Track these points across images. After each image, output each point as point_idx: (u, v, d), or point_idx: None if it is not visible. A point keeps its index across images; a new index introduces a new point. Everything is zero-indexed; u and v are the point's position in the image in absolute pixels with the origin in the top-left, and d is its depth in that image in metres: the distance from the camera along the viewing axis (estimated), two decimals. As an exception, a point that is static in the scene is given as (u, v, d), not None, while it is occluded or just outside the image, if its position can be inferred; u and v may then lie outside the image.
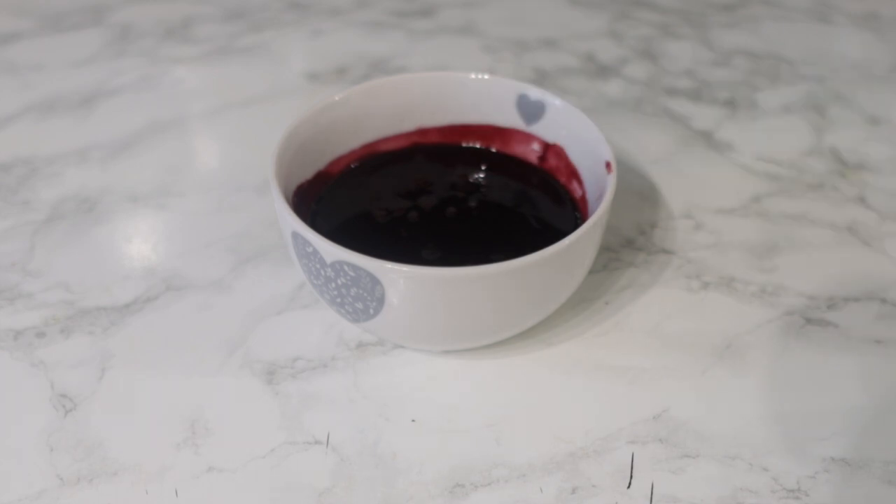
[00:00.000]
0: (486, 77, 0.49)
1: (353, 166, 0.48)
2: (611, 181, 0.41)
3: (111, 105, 0.61)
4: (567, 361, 0.43)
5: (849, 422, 0.40)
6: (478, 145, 0.50)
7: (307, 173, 0.45)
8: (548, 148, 0.48)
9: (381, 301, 0.38)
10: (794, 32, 0.70)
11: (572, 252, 0.39)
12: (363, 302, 0.38)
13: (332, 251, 0.37)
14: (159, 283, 0.47)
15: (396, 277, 0.36)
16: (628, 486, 0.38)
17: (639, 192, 0.53)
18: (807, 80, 0.64)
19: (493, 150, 0.49)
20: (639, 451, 0.39)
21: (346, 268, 0.37)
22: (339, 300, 0.39)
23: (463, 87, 0.49)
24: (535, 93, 0.48)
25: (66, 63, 0.65)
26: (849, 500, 0.37)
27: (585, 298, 0.46)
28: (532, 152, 0.49)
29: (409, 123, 0.49)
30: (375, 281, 0.37)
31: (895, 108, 0.62)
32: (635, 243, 0.49)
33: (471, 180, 0.48)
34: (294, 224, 0.38)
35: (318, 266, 0.38)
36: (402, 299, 0.37)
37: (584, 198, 0.45)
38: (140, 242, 0.50)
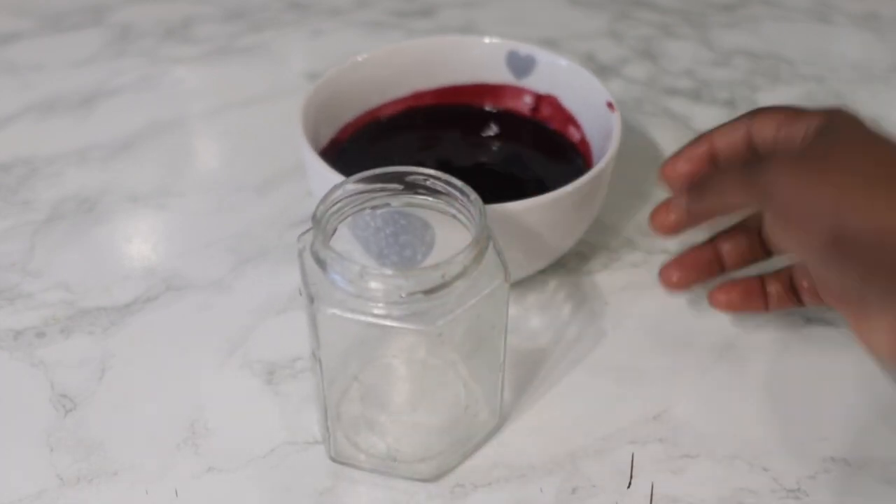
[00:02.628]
0: (475, 38, 0.52)
1: (359, 131, 0.50)
2: (616, 119, 0.44)
3: (111, 105, 0.61)
4: (567, 361, 0.43)
5: (849, 422, 0.40)
6: (472, 103, 0.52)
7: (323, 142, 0.47)
8: (540, 99, 0.50)
9: (430, 246, 0.39)
10: (794, 32, 0.70)
11: (603, 177, 0.43)
12: (412, 249, 0.39)
13: None
14: (159, 283, 0.47)
15: (448, 220, 0.37)
16: (628, 486, 0.38)
17: (639, 192, 0.53)
18: (807, 80, 0.64)
19: (488, 106, 0.52)
20: (639, 451, 0.39)
21: (396, 215, 0.38)
22: (386, 250, 0.40)
23: (455, 50, 0.51)
24: (524, 48, 0.50)
25: (66, 63, 0.65)
26: (849, 500, 0.37)
27: (586, 298, 0.46)
28: (524, 105, 0.51)
29: (406, 88, 0.51)
30: (427, 226, 0.38)
31: (895, 109, 0.62)
32: (635, 243, 0.49)
33: (474, 136, 0.50)
34: (340, 180, 0.39)
35: (366, 218, 0.39)
36: (452, 242, 0.38)
37: (584, 140, 0.48)
38: (140, 242, 0.50)
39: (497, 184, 0.47)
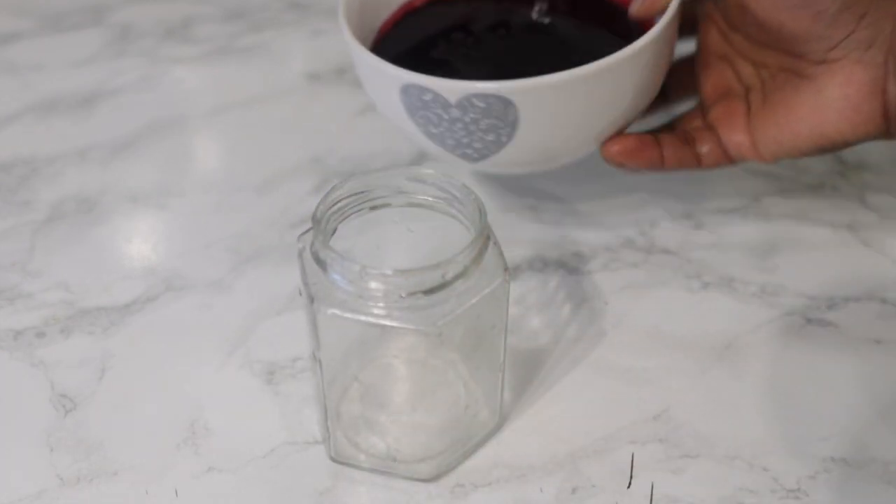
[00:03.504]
0: None
1: (396, 25, 0.48)
2: None
3: (111, 105, 0.61)
4: (567, 361, 0.43)
5: (849, 422, 0.40)
6: None
7: (367, 42, 0.45)
8: None
9: (514, 125, 0.38)
10: (794, 32, 0.70)
11: (672, 30, 0.40)
12: (495, 132, 0.38)
13: (458, 87, 0.37)
14: (159, 283, 0.47)
15: (531, 93, 0.36)
16: (628, 486, 0.38)
17: (639, 192, 0.53)
18: (807, 80, 0.64)
19: None
20: (639, 451, 0.39)
21: (474, 100, 0.37)
22: (465, 140, 0.39)
23: None
24: None
25: (66, 63, 0.65)
26: (849, 500, 0.37)
27: (586, 298, 0.46)
28: None
29: None
30: (508, 104, 0.37)
31: (895, 108, 0.61)
32: (635, 243, 0.49)
33: (519, 11, 0.47)
34: (408, 77, 0.38)
35: (439, 111, 0.38)
36: (536, 115, 0.37)
37: None
38: (140, 242, 0.50)
39: (546, 59, 0.44)
